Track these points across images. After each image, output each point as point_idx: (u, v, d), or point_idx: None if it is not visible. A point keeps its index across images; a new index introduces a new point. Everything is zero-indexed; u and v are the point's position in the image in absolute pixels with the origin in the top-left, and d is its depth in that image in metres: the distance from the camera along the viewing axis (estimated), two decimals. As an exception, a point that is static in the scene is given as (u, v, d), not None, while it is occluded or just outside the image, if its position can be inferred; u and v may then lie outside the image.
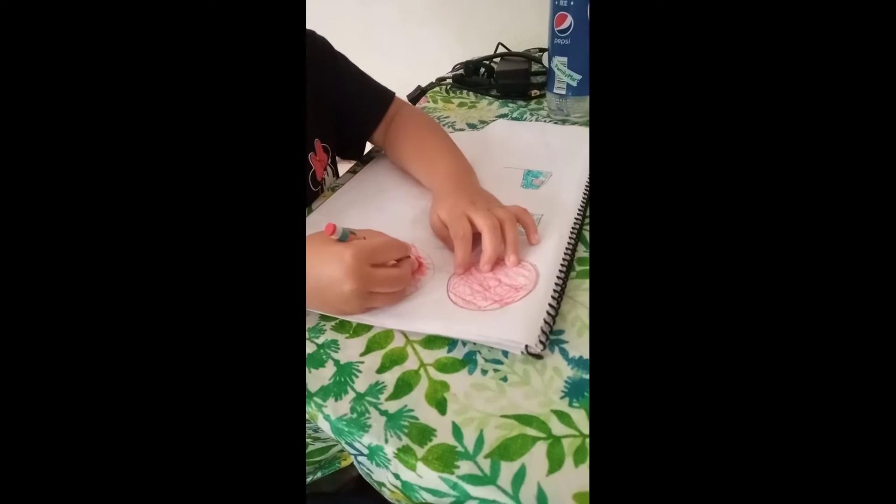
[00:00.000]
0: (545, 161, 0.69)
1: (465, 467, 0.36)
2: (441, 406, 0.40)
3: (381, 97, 0.72)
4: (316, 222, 0.60)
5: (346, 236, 0.46)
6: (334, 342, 0.47)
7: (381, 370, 0.44)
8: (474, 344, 0.45)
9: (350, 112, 0.71)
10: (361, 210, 0.62)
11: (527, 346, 0.42)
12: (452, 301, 0.48)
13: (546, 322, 0.44)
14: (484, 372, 0.43)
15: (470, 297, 0.48)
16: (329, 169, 0.73)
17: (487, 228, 0.50)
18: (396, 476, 0.39)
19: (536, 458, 0.36)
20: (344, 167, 0.76)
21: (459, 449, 0.37)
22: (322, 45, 0.71)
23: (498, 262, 0.51)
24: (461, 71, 1.02)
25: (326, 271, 0.44)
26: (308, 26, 0.64)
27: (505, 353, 0.44)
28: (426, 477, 0.37)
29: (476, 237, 0.52)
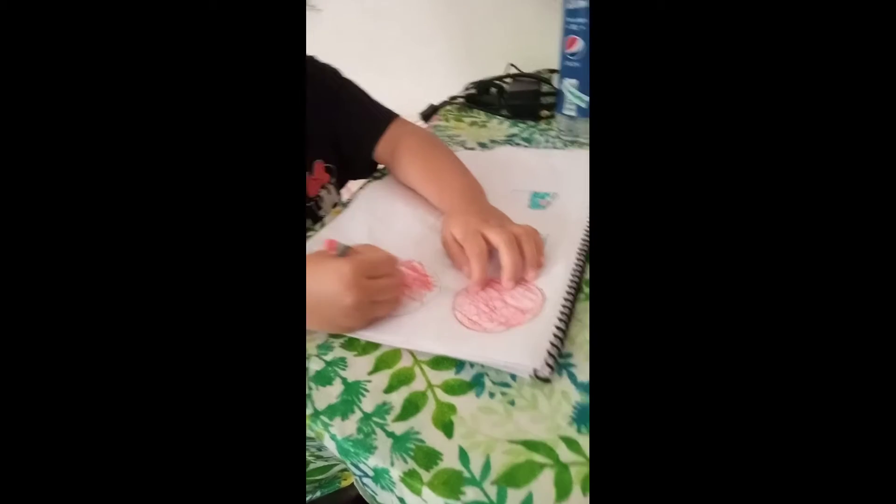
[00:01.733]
0: (551, 183, 0.70)
1: (471, 493, 0.35)
2: (448, 429, 0.40)
3: (382, 117, 0.72)
4: (325, 237, 0.61)
5: (345, 252, 0.47)
6: (342, 360, 0.47)
7: (388, 390, 0.44)
8: (482, 366, 0.45)
9: (351, 132, 0.72)
10: (369, 227, 0.63)
11: (535, 370, 0.42)
12: (458, 320, 0.48)
13: (553, 345, 0.44)
14: (491, 395, 0.43)
15: (476, 317, 0.48)
16: (331, 188, 0.74)
17: (504, 244, 0.50)
18: (402, 500, 0.38)
19: (544, 485, 0.35)
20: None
21: (466, 474, 0.36)
22: (328, 72, 0.73)
23: (498, 284, 0.51)
24: (473, 90, 1.03)
25: (326, 287, 0.45)
26: (317, 47, 0.66)
27: (513, 377, 0.44)
28: (431, 502, 0.36)
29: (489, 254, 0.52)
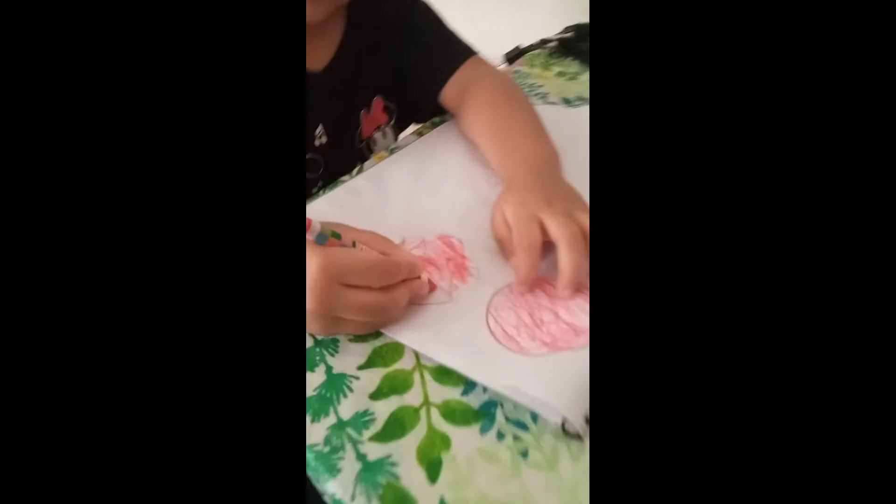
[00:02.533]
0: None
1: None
2: (433, 469, 0.31)
3: (456, 52, 0.60)
4: (359, 188, 0.52)
5: (323, 239, 0.35)
6: (335, 342, 0.38)
7: (375, 395, 0.35)
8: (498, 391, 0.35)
9: (419, 67, 0.60)
10: (410, 184, 0.52)
11: (564, 420, 0.31)
12: (490, 329, 0.37)
13: (601, 391, 0.33)
14: (500, 436, 0.32)
15: (514, 329, 0.37)
16: (388, 131, 0.64)
17: (565, 240, 0.38)
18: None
19: None
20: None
21: (436, 544, 0.27)
22: None
23: (552, 288, 0.40)
24: (571, 34, 0.86)
25: None
26: None
27: (534, 417, 0.33)
28: (385, 565, 0.28)
29: (547, 247, 0.40)
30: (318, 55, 0.57)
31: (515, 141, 0.50)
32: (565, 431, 0.32)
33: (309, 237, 0.34)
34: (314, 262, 0.33)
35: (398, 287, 0.37)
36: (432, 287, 0.41)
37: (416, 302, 0.39)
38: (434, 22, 0.61)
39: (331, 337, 0.38)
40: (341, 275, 0.34)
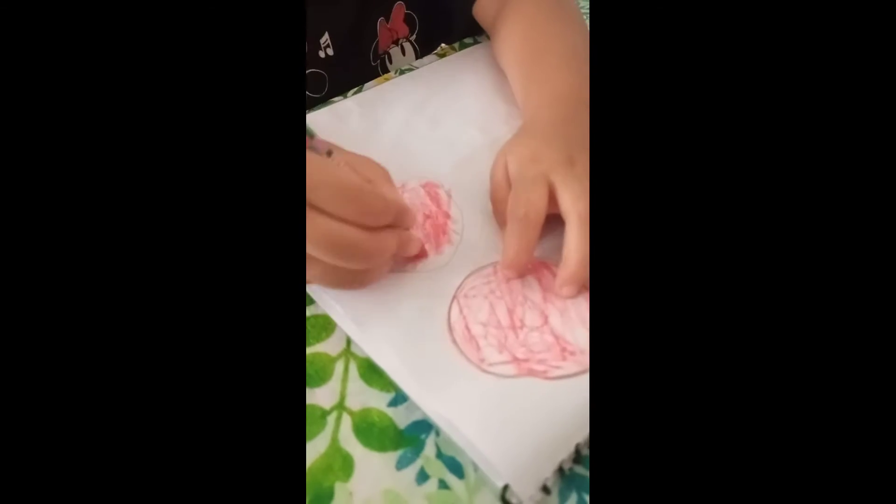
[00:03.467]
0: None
1: None
2: (318, 502, 0.22)
3: None
4: (345, 111, 0.41)
5: (317, 147, 0.26)
6: (254, 299, 0.30)
7: (279, 382, 0.26)
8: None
9: None
10: (406, 114, 0.40)
11: (506, 489, 0.22)
12: (450, 321, 0.27)
13: (577, 449, 0.23)
14: (423, 477, 0.23)
15: (481, 328, 0.27)
16: (408, 46, 0.51)
17: (578, 217, 0.27)
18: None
19: None
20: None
21: None
22: None
23: (550, 279, 0.29)
24: None
25: None
26: None
27: (476, 466, 0.24)
28: None
29: (553, 223, 0.29)
30: None
31: (547, 70, 0.37)
32: (504, 501, 0.22)
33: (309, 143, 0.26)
34: None
35: (383, 231, 0.26)
36: (422, 253, 0.30)
37: (397, 266, 0.29)
38: None
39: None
40: (319, 197, 0.23)
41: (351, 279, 0.27)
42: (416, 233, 0.31)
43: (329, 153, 0.28)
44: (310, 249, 0.24)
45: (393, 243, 0.26)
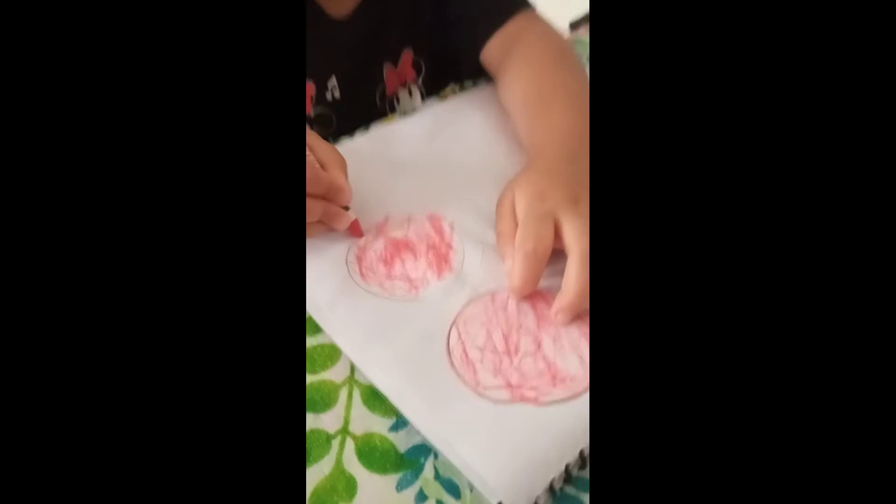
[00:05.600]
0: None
1: None
2: (320, 524, 0.24)
3: (507, 3, 0.48)
4: (355, 148, 0.43)
5: None
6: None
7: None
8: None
9: (461, 16, 0.50)
10: (415, 151, 0.42)
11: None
12: (449, 346, 0.29)
13: (568, 470, 0.24)
14: (421, 498, 0.24)
15: (478, 353, 0.28)
16: (415, 89, 0.54)
17: (580, 253, 0.29)
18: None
19: None
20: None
21: None
22: None
23: (545, 307, 0.30)
24: None
25: None
26: None
27: (471, 486, 0.25)
28: None
29: (557, 257, 0.31)
30: (340, 1, 0.48)
31: (552, 112, 0.39)
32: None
33: None
34: None
35: (311, 199, 0.32)
36: (356, 230, 0.35)
37: (331, 229, 0.35)
38: None
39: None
40: None
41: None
42: (413, 261, 0.34)
43: None
44: None
45: (317, 211, 0.33)
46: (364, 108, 0.52)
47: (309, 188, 0.32)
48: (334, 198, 0.34)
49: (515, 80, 0.44)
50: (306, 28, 0.50)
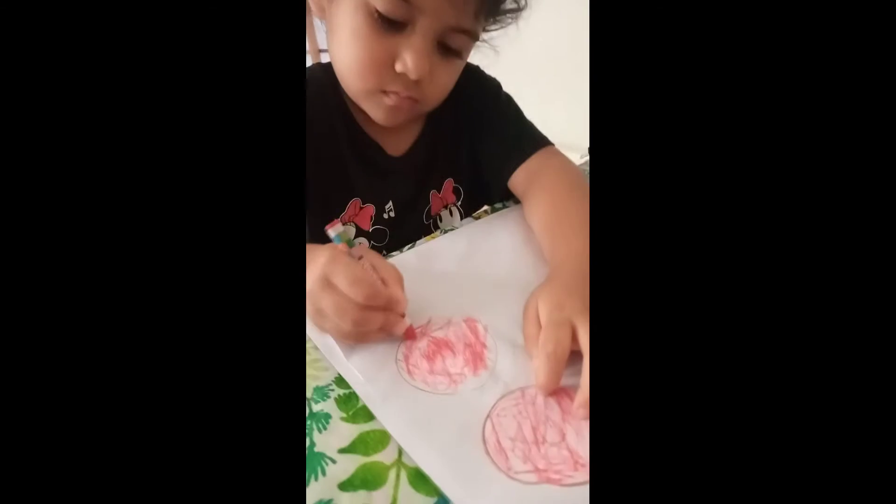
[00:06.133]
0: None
1: None
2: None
3: (529, 141, 0.59)
4: (404, 261, 0.51)
5: (338, 240, 0.41)
6: (327, 416, 0.37)
7: (344, 486, 0.32)
8: (473, 516, 0.30)
9: (492, 153, 0.61)
10: (455, 264, 0.50)
11: None
12: (484, 436, 0.33)
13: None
14: (459, 572, 0.28)
15: (509, 442, 0.33)
16: (455, 210, 0.64)
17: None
18: None
19: None
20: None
21: None
22: (488, 85, 0.64)
23: (569, 403, 0.34)
24: None
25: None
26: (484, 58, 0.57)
27: None
28: None
29: (577, 357, 0.36)
30: (397, 144, 0.61)
31: (569, 235, 0.46)
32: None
33: (330, 233, 0.41)
34: (325, 254, 0.39)
35: (374, 310, 0.39)
36: (411, 335, 0.41)
37: (388, 334, 0.41)
38: (513, 111, 0.63)
39: (326, 412, 0.37)
40: (332, 273, 0.38)
41: (346, 335, 0.40)
42: (452, 357, 0.40)
43: (360, 258, 0.40)
44: (328, 310, 0.38)
45: (377, 320, 0.39)
46: (413, 225, 0.61)
47: (372, 301, 0.38)
48: (393, 308, 0.40)
49: (537, 206, 0.52)
50: (370, 163, 0.63)
